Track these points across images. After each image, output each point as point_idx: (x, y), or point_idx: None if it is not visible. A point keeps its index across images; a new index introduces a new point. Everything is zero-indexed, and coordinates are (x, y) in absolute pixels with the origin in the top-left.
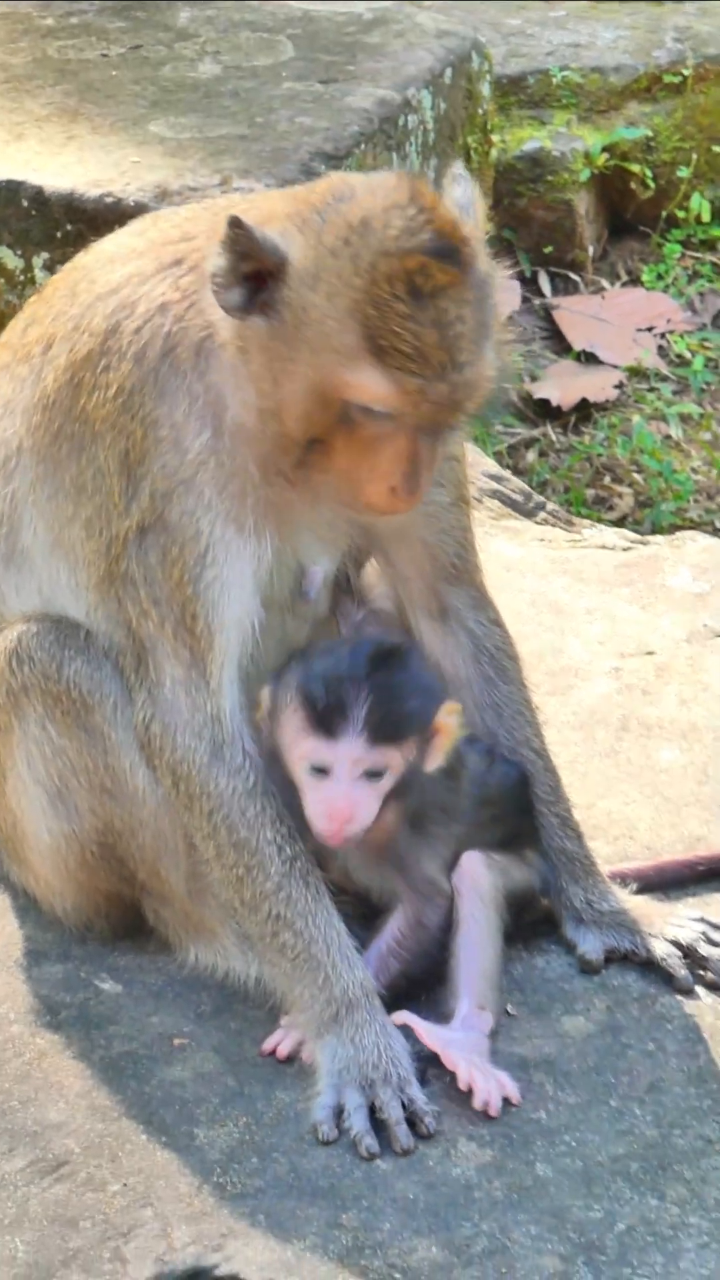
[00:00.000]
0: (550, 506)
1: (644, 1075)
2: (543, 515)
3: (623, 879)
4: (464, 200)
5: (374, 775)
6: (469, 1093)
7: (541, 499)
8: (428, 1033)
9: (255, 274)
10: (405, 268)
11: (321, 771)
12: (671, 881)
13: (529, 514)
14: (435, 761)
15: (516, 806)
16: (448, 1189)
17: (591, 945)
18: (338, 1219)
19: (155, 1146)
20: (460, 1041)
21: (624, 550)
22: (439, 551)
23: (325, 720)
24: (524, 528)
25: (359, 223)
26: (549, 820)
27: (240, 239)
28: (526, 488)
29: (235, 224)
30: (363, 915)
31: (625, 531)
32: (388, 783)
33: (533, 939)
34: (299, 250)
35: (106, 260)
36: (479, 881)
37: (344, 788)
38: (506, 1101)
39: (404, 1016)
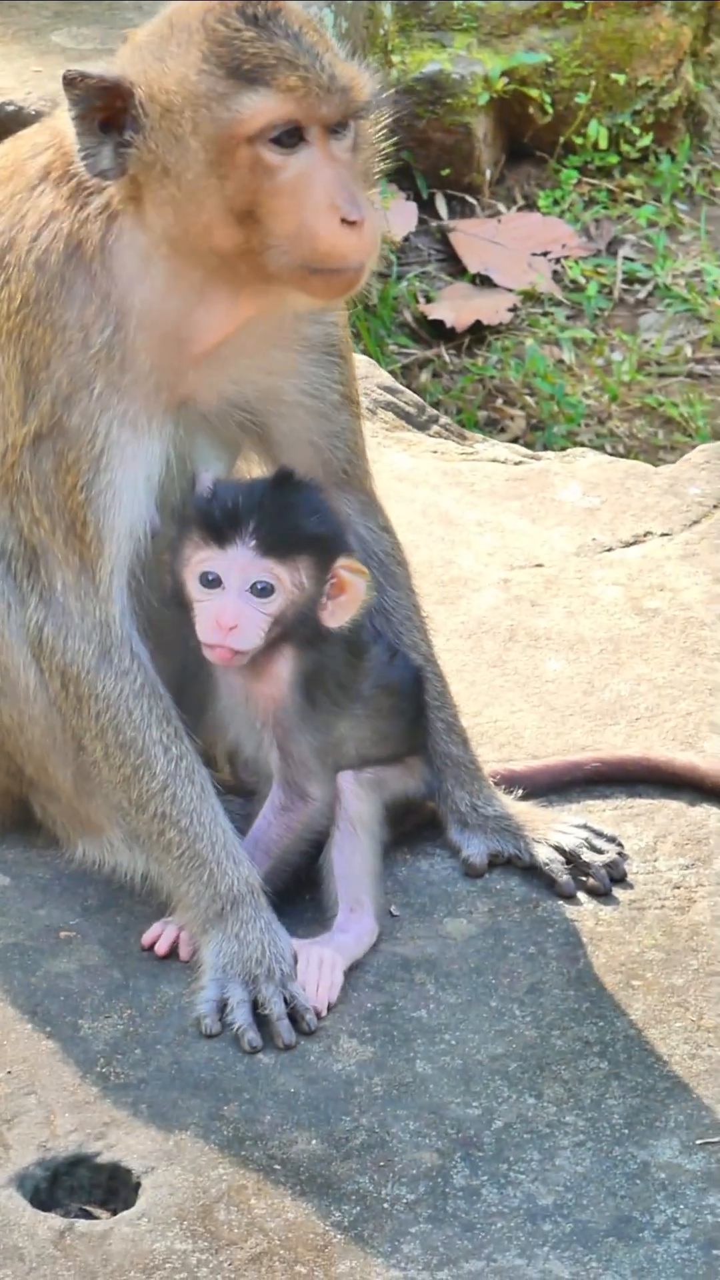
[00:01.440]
0: (443, 420)
1: (524, 977)
2: (435, 428)
3: (508, 784)
4: None
5: (263, 592)
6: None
7: (435, 412)
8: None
9: (110, 123)
10: (229, 5)
11: (213, 585)
12: (558, 785)
13: (422, 427)
14: (338, 619)
15: (412, 705)
16: (328, 1084)
17: (475, 849)
18: (219, 1111)
19: (40, 1036)
20: (319, 942)
21: (515, 464)
22: (329, 456)
23: (216, 530)
24: (417, 439)
25: (176, 9)
26: (436, 725)
27: (78, 84)
28: (420, 400)
29: (69, 77)
30: (249, 816)
31: (517, 446)
32: (277, 604)
33: (417, 843)
34: (135, 65)
35: None
36: (349, 803)
37: (232, 598)
38: (388, 1009)
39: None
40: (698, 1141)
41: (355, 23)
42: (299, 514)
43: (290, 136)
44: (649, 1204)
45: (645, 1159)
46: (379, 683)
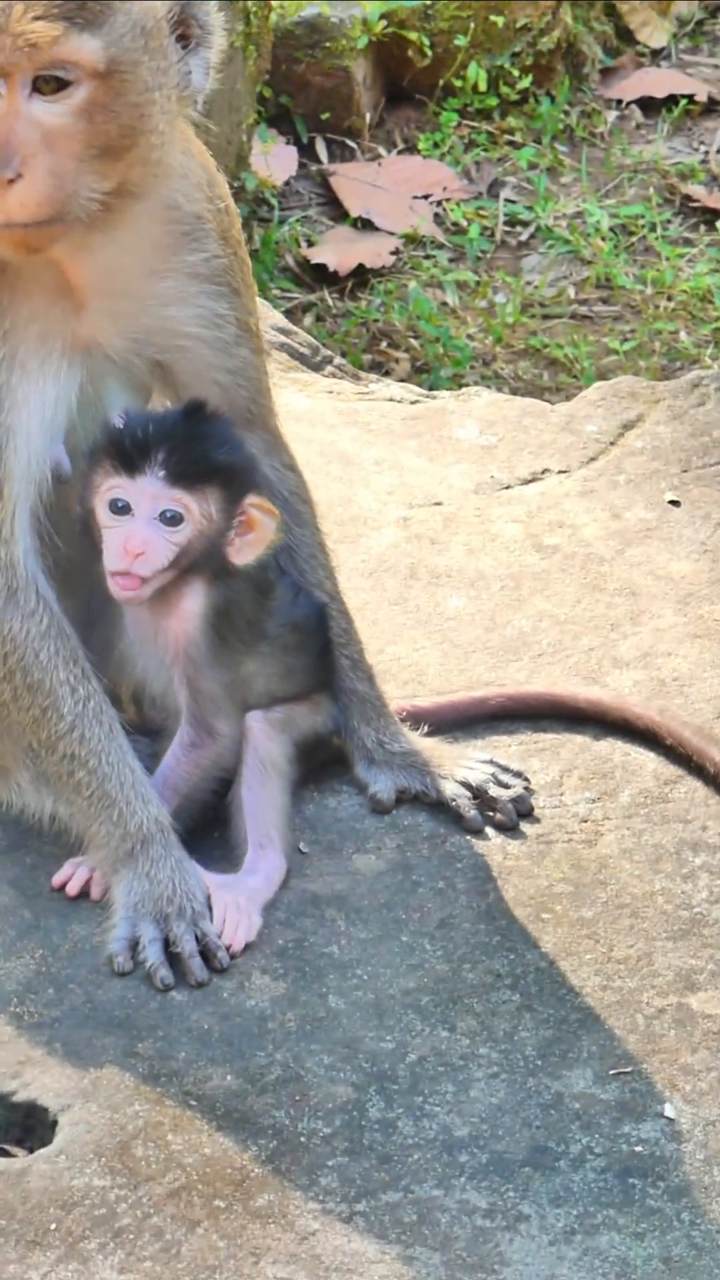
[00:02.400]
0: (337, 360)
1: (434, 912)
2: (329, 369)
3: (414, 720)
4: (205, 15)
5: (171, 520)
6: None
7: (329, 353)
8: (210, 881)
9: None
10: None
11: (122, 513)
12: (463, 720)
13: (316, 368)
14: (245, 556)
15: (317, 642)
16: (242, 1020)
17: (383, 785)
18: (134, 1048)
19: None
20: (231, 884)
21: (411, 404)
22: (233, 395)
23: (126, 458)
24: (312, 380)
25: None
26: (341, 662)
27: None
28: (314, 341)
29: None
30: (156, 755)
31: (411, 386)
32: (184, 533)
33: (324, 780)
34: None
35: None
36: (258, 742)
37: (140, 524)
38: (299, 945)
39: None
40: (610, 1072)
41: None
42: (210, 445)
43: None
44: (564, 1134)
45: (559, 1090)
46: (285, 620)
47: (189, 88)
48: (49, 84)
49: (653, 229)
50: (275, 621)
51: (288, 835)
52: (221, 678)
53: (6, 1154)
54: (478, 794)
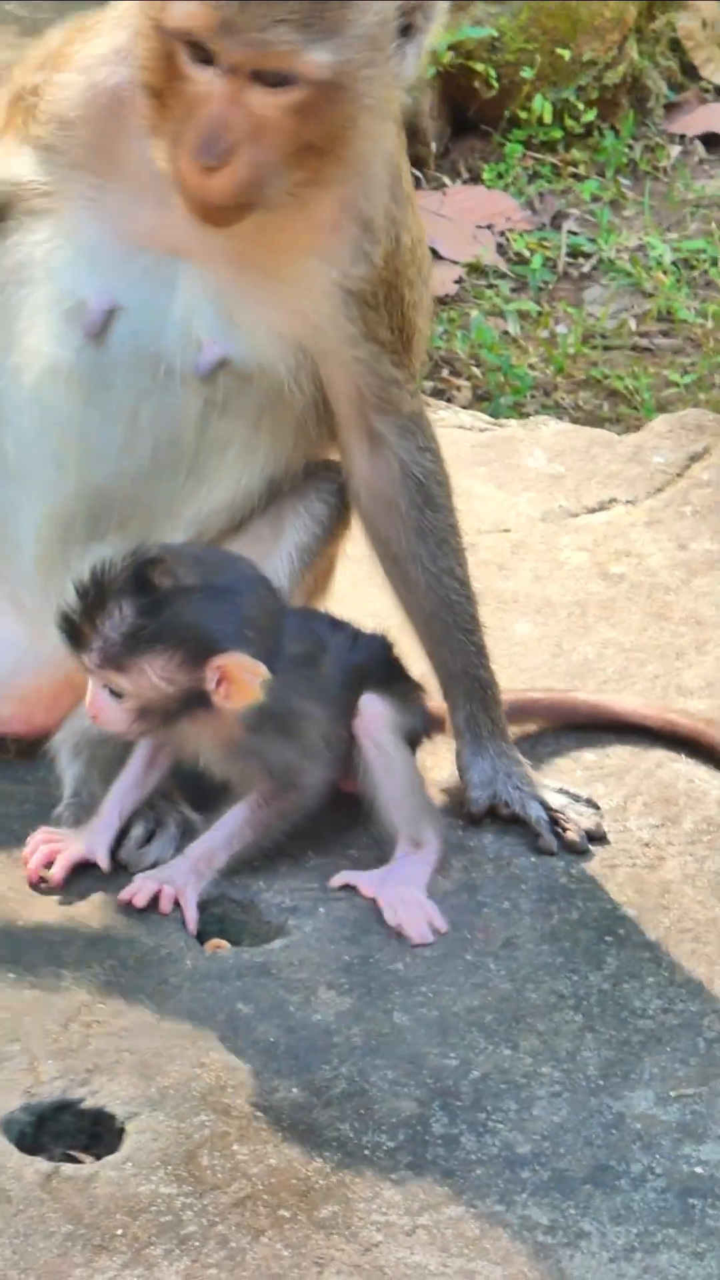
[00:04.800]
0: None
1: (499, 932)
2: None
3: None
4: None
5: (115, 694)
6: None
7: None
8: (366, 883)
9: None
10: None
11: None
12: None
13: None
14: (231, 705)
15: (386, 674)
16: (307, 1034)
17: (480, 779)
18: (200, 1059)
19: (23, 986)
20: (391, 880)
21: (480, 431)
22: (362, 382)
23: (69, 637)
24: None
25: None
26: (467, 647)
27: None
28: None
29: None
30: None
31: (479, 414)
32: (131, 702)
33: None
34: None
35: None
36: (376, 722)
37: (92, 691)
38: (365, 961)
39: (343, 877)
40: (671, 1093)
41: None
42: (146, 622)
43: (199, 51)
44: (625, 1153)
45: (620, 1110)
46: (349, 673)
47: (401, 77)
48: (271, 76)
49: (714, 263)
50: (333, 681)
51: (432, 811)
52: (288, 753)
53: (74, 1160)
54: (555, 817)
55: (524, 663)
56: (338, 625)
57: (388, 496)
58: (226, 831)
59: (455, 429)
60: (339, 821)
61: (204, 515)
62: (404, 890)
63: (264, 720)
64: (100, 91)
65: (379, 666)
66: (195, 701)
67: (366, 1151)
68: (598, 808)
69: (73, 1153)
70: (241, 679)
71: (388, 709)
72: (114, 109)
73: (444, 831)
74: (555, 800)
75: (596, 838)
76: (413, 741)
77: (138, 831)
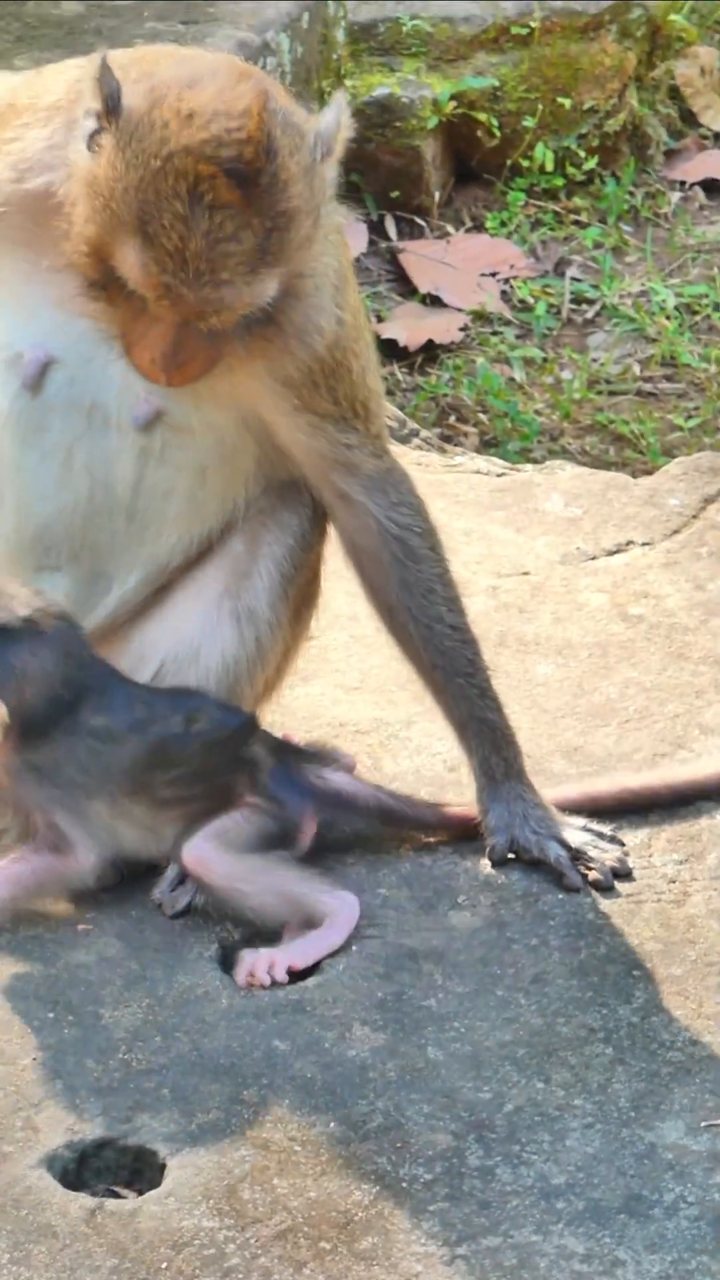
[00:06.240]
0: (424, 434)
1: (529, 968)
2: (417, 441)
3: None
4: (326, 127)
5: None
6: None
7: (416, 425)
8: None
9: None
10: (196, 171)
11: None
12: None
13: (404, 440)
14: None
15: (222, 761)
16: (343, 1069)
17: (499, 827)
18: (239, 1095)
19: (63, 1025)
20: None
21: (498, 476)
22: (314, 447)
23: None
24: (401, 452)
25: (186, 113)
26: (468, 692)
27: (104, 74)
28: (401, 414)
29: (104, 62)
30: None
31: (495, 459)
32: None
33: (419, 841)
34: (131, 107)
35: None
36: (203, 866)
37: None
38: (398, 998)
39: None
40: (702, 1124)
41: (310, 48)
42: None
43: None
44: (658, 1183)
45: (652, 1140)
46: (161, 754)
47: (328, 198)
48: None
49: (716, 308)
50: (131, 759)
51: (305, 891)
52: (50, 806)
53: (116, 1195)
54: (576, 855)
55: (546, 704)
56: (180, 701)
57: (368, 551)
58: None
59: (472, 474)
60: (369, 860)
61: (160, 555)
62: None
63: (27, 772)
64: (30, 195)
65: (218, 750)
66: None
67: (404, 1184)
68: (622, 844)
69: (115, 1188)
70: None
71: (210, 851)
72: (42, 209)
73: (334, 892)
74: (576, 839)
75: (621, 874)
76: (267, 840)
77: (171, 874)
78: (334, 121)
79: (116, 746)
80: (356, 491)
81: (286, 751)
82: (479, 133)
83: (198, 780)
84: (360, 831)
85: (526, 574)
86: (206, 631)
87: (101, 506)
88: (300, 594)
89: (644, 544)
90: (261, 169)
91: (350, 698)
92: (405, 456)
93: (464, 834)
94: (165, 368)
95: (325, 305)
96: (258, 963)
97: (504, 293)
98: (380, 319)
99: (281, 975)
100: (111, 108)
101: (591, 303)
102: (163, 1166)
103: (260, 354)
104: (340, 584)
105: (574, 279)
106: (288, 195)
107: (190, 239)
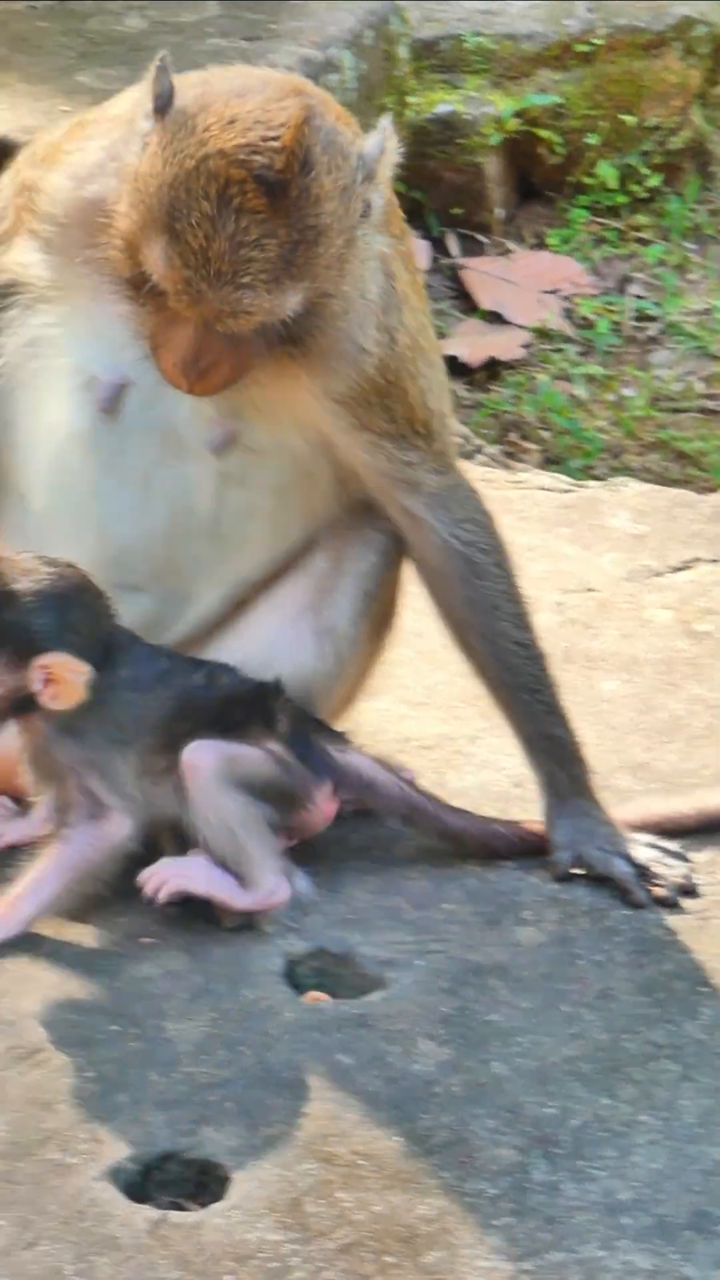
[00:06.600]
0: (489, 449)
1: (594, 983)
2: (481, 458)
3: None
4: (370, 151)
5: None
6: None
7: (480, 442)
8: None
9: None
10: (228, 174)
11: None
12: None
13: (468, 456)
14: (58, 704)
15: (242, 714)
16: (408, 1084)
17: (564, 841)
18: (303, 1109)
19: (127, 1038)
20: (184, 864)
21: (563, 493)
22: (374, 465)
23: None
24: (466, 469)
25: (228, 118)
26: (534, 708)
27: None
28: (467, 431)
29: (162, 61)
30: None
31: (561, 476)
32: None
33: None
34: (180, 108)
35: None
36: (195, 772)
37: None
38: (463, 1013)
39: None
40: None
41: (374, 64)
42: None
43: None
44: None
45: (719, 1157)
46: (188, 705)
47: (373, 219)
48: None
49: None
50: (160, 712)
51: (260, 858)
52: (90, 775)
53: (180, 1208)
54: (643, 871)
55: (612, 720)
56: (198, 663)
57: (434, 567)
58: (32, 881)
59: (538, 490)
60: (433, 874)
61: (242, 573)
62: (180, 869)
63: (68, 733)
64: (87, 202)
65: (238, 708)
66: (23, 704)
67: (469, 1198)
68: (688, 860)
69: (179, 1201)
70: (66, 678)
71: (211, 758)
72: (101, 219)
73: (279, 877)
74: (642, 855)
75: (688, 891)
76: (270, 788)
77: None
78: (377, 145)
79: (145, 696)
80: (420, 509)
81: (309, 723)
82: (541, 150)
83: (217, 728)
84: (424, 845)
85: (592, 590)
86: (286, 646)
87: (182, 530)
88: (381, 611)
89: (711, 561)
90: (292, 180)
91: (416, 713)
92: (470, 473)
93: (490, 852)
94: (187, 373)
95: (365, 327)
96: (154, 878)
97: (566, 310)
98: (442, 336)
99: (164, 896)
100: (160, 106)
101: (654, 320)
102: (227, 1179)
103: (291, 370)
104: (407, 600)
105: (636, 296)
106: (318, 211)
107: (215, 239)
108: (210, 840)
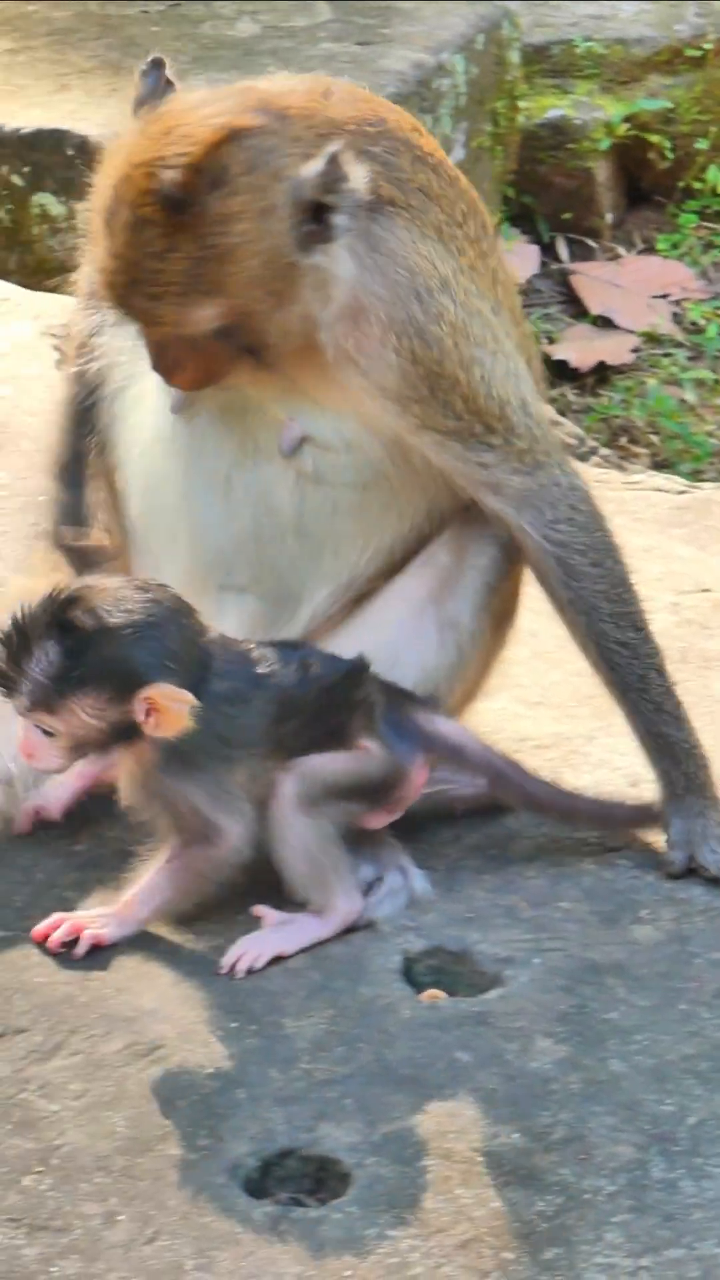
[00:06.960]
0: (603, 451)
1: (711, 982)
2: (595, 459)
3: None
4: (304, 176)
5: (47, 733)
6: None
7: (594, 444)
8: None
9: None
10: (136, 185)
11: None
12: None
13: (582, 458)
14: (162, 733)
15: (338, 702)
16: (526, 1081)
17: (679, 840)
18: (421, 1106)
19: (245, 1035)
20: (273, 932)
21: (678, 494)
22: (450, 466)
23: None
24: (580, 470)
25: (165, 129)
26: (642, 707)
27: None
28: (580, 432)
29: (148, 65)
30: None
31: (675, 477)
32: (63, 740)
33: (601, 852)
34: (155, 111)
35: None
36: (284, 802)
37: (24, 731)
38: (580, 1011)
39: (261, 911)
40: None
41: (485, 69)
42: (70, 664)
43: None
44: None
45: None
46: (286, 706)
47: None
48: None
49: None
50: (266, 717)
51: (335, 881)
52: (198, 796)
53: (299, 1204)
54: None
55: None
56: (289, 653)
57: (534, 566)
58: (147, 885)
59: (652, 491)
60: (550, 873)
61: (344, 569)
62: (263, 941)
63: (173, 758)
64: None
65: (332, 693)
66: (127, 733)
67: (587, 1195)
68: None
69: (299, 1197)
70: (169, 708)
71: (290, 786)
72: None
73: (352, 895)
74: None
75: None
76: (358, 789)
77: (366, 873)
78: (314, 171)
79: (245, 708)
80: (508, 511)
81: (398, 695)
82: (651, 155)
83: (317, 723)
84: (541, 843)
85: (708, 591)
86: (408, 638)
87: (269, 531)
88: (502, 606)
89: None
90: (192, 199)
91: (532, 712)
92: (585, 475)
93: (577, 820)
94: (156, 369)
95: (369, 327)
96: (244, 955)
97: (675, 315)
98: (551, 340)
99: (261, 964)
100: (136, 108)
101: None
102: (346, 1175)
103: (326, 370)
104: (521, 599)
105: None
106: (225, 230)
107: (131, 246)
108: (286, 860)
